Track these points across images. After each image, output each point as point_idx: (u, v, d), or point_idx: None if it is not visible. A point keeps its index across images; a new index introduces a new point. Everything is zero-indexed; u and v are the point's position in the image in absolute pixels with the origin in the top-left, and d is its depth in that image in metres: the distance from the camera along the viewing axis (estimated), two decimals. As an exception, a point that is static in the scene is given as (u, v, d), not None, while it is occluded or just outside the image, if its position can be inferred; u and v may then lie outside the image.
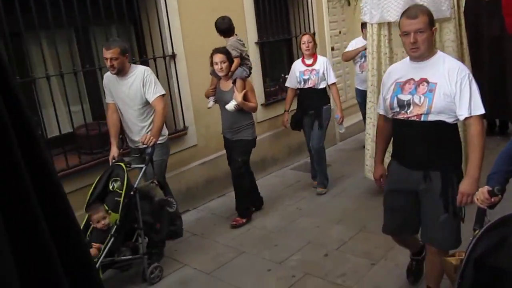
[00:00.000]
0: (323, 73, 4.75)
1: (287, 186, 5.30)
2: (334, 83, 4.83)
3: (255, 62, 5.61)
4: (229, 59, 4.09)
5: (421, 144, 2.44)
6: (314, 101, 4.81)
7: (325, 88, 4.83)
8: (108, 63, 3.56)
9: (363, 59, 5.62)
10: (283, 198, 4.95)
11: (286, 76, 6.10)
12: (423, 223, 2.59)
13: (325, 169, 4.99)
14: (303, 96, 4.89)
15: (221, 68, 4.05)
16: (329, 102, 4.89)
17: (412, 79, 2.45)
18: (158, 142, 3.68)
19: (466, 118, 2.35)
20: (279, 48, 6.25)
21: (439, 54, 2.47)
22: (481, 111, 2.34)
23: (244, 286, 3.35)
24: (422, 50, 2.37)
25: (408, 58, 2.54)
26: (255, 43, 5.59)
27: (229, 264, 3.69)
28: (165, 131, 3.93)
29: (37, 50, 3.86)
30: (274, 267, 3.57)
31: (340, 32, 7.29)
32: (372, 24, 4.24)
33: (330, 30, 6.92)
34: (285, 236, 4.07)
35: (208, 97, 4.42)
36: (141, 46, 4.65)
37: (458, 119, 2.41)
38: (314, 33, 6.44)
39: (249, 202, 4.47)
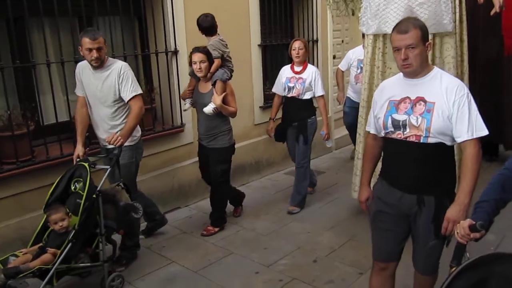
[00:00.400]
0: (310, 84, 4.48)
1: (280, 190, 5.29)
2: (321, 96, 4.56)
3: (257, 64, 5.62)
4: (209, 59, 3.88)
5: (417, 167, 2.27)
6: (298, 112, 4.54)
7: (311, 99, 4.57)
8: (94, 55, 3.28)
9: (359, 70, 5.47)
10: (276, 201, 4.94)
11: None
12: (413, 248, 2.47)
13: (305, 188, 4.70)
14: (287, 105, 4.64)
15: (199, 68, 3.85)
16: (315, 115, 4.63)
17: (407, 97, 2.28)
18: (127, 143, 3.46)
19: (464, 141, 2.20)
20: (281, 52, 6.25)
21: (436, 70, 2.31)
22: (484, 132, 2.19)
23: (231, 287, 3.33)
24: (414, 67, 2.22)
25: (401, 74, 2.37)
26: (258, 45, 5.60)
27: (217, 263, 3.68)
28: (138, 132, 3.66)
29: (40, 36, 3.84)
30: (262, 269, 3.56)
31: (342, 41, 7.31)
32: (368, 35, 4.07)
33: (333, 38, 6.94)
34: (275, 240, 4.06)
35: (184, 99, 4.22)
36: (144, 40, 4.64)
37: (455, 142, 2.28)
38: (317, 40, 6.48)
39: (224, 211, 4.32)
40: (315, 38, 6.46)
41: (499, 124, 5.51)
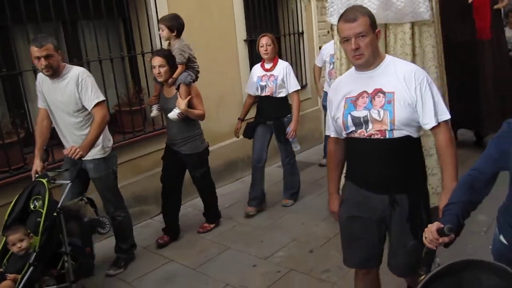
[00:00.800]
0: (282, 80, 4.32)
1: (273, 184, 5.31)
2: (295, 91, 4.39)
3: (244, 59, 5.64)
4: (170, 63, 3.70)
5: (385, 165, 2.12)
6: (273, 111, 4.39)
7: (286, 97, 4.43)
8: (42, 63, 3.06)
9: (331, 66, 5.32)
10: (270, 195, 4.96)
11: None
12: (389, 250, 2.33)
13: (297, 181, 4.72)
14: (262, 104, 4.48)
15: (159, 73, 3.68)
16: (291, 113, 4.47)
17: (364, 91, 2.13)
18: (100, 156, 3.38)
19: (433, 127, 2.10)
20: (267, 46, 6.27)
21: (389, 58, 2.18)
22: (447, 115, 2.12)
23: (230, 281, 3.37)
24: (367, 56, 2.06)
25: (353, 68, 2.22)
26: (244, 40, 5.62)
27: (215, 259, 3.72)
28: (110, 142, 3.50)
29: (25, 43, 3.84)
30: (259, 262, 3.61)
31: (328, 32, 7.32)
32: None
33: (319, 30, 6.96)
34: (270, 233, 4.11)
35: (151, 105, 4.08)
36: (130, 42, 4.65)
37: (422, 133, 2.18)
38: (302, 32, 6.51)
39: (216, 207, 4.33)
40: (300, 31, 6.49)
41: (476, 109, 5.42)
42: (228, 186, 5.37)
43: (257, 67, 4.50)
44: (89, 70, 4.12)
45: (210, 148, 4.60)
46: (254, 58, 5.98)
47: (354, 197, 2.27)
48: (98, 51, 4.22)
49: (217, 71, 5.14)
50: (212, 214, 4.31)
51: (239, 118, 4.62)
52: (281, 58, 5.84)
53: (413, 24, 3.58)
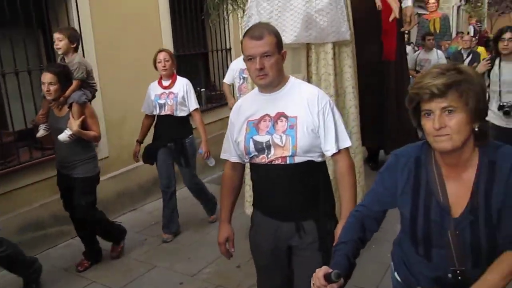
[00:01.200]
0: (183, 98, 4.07)
1: (197, 201, 5.30)
2: (196, 109, 4.15)
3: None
4: (62, 80, 3.37)
5: (288, 191, 2.02)
6: (173, 131, 4.11)
7: (187, 116, 4.19)
8: None
9: (241, 81, 5.26)
10: (196, 211, 4.93)
11: (202, 90, 6.15)
12: (295, 283, 2.17)
13: (209, 197, 4.60)
14: (160, 124, 4.17)
15: (48, 91, 3.33)
16: (192, 133, 4.27)
17: (267, 114, 2.03)
18: None
19: (333, 154, 2.03)
20: (195, 62, 6.30)
21: (292, 80, 2.08)
22: (348, 142, 2.06)
23: (155, 301, 3.31)
24: (271, 77, 1.96)
25: (257, 89, 2.11)
26: (171, 55, 5.58)
27: (140, 278, 3.63)
28: None
29: None
30: (186, 280, 3.56)
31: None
32: None
33: (246, 47, 7.10)
34: (198, 249, 4.08)
35: (37, 125, 3.74)
36: (50, 53, 4.45)
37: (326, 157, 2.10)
38: (230, 48, 6.60)
39: (111, 227, 3.96)
40: (228, 47, 6.58)
41: (381, 129, 5.54)
42: (155, 202, 5.26)
43: (154, 85, 4.18)
44: (4, 82, 3.92)
45: (136, 164, 4.50)
46: (182, 73, 5.97)
47: (261, 225, 2.17)
48: (15, 62, 4.00)
49: (145, 86, 5.04)
50: (112, 236, 4.00)
51: (137, 141, 4.29)
52: (209, 75, 5.85)
53: (334, 44, 3.59)
